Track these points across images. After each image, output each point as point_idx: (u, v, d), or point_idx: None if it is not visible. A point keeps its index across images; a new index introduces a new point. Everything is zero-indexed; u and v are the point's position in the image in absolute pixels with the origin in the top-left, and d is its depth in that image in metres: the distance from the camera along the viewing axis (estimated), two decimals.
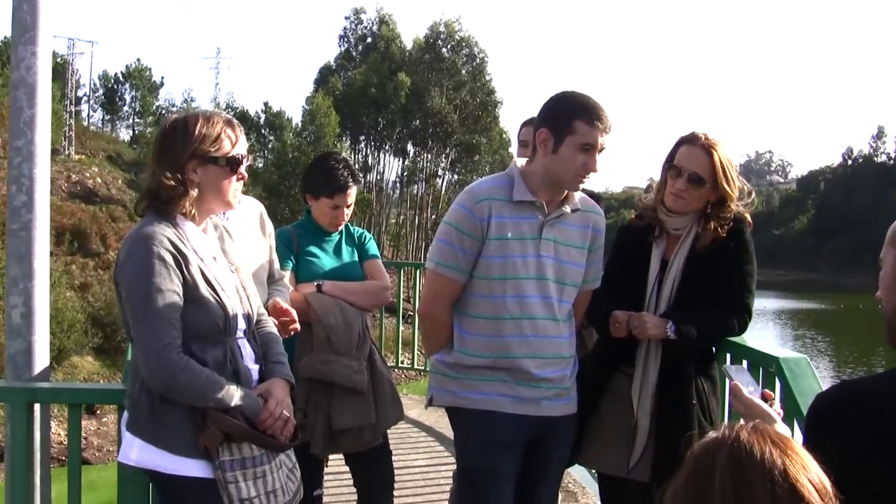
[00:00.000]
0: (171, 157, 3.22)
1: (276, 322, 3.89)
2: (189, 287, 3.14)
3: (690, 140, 4.01)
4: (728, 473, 1.65)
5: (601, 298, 4.09)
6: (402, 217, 62.15)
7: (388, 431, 4.82)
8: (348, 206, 4.70)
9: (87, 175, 43.06)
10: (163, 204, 3.23)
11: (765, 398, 2.67)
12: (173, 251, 3.11)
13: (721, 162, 3.91)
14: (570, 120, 3.64)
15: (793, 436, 2.10)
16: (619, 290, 4.07)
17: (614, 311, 3.99)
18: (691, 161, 3.95)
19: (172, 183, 3.19)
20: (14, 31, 4.09)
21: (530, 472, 3.89)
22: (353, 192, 4.69)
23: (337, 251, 4.80)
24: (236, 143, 3.31)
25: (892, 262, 2.20)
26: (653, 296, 4.03)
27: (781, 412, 2.69)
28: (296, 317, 4.13)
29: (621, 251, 4.19)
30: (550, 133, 3.69)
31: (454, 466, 4.74)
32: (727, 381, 3.19)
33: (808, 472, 1.65)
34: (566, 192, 3.80)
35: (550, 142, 3.69)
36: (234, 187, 3.33)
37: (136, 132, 66.53)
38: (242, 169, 3.34)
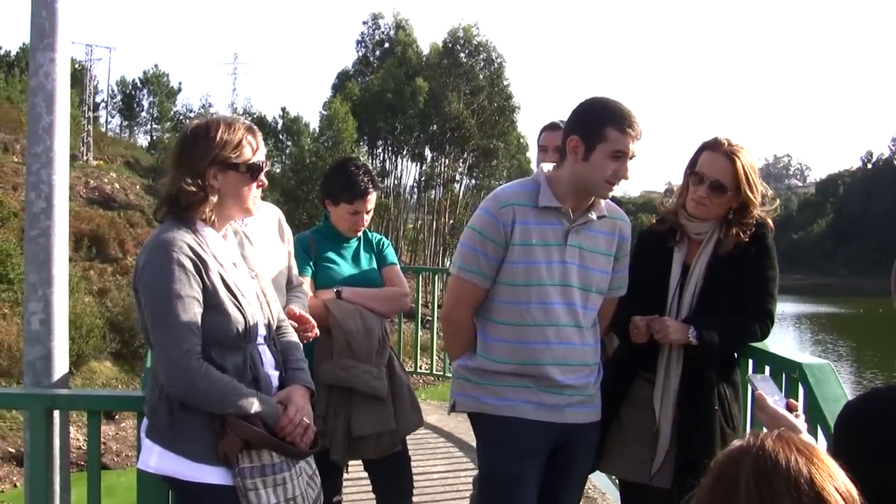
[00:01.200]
0: (191, 163, 3.21)
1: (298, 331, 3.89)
2: (209, 293, 3.12)
3: (713, 146, 3.97)
4: (753, 482, 1.63)
5: (621, 303, 4.06)
6: (419, 222, 62.19)
7: (407, 437, 4.81)
8: (368, 212, 4.69)
9: (106, 181, 43.29)
10: (182, 210, 3.22)
11: (789, 408, 2.64)
12: (193, 257, 3.10)
13: (744, 169, 3.88)
14: (601, 127, 3.61)
15: (817, 443, 2.08)
16: (640, 295, 4.03)
17: (634, 316, 3.96)
18: (713, 168, 3.92)
19: (193, 189, 3.19)
20: (32, 38, 4.09)
21: (553, 479, 3.86)
22: (372, 198, 4.68)
23: (355, 257, 4.79)
24: (257, 150, 3.30)
25: None
26: (674, 301, 4.00)
27: (806, 424, 2.66)
28: (313, 322, 4.12)
29: (642, 256, 4.13)
30: (581, 140, 3.65)
31: (473, 472, 4.74)
32: (749, 389, 3.16)
33: (835, 481, 1.63)
34: (593, 198, 3.77)
35: (581, 149, 3.64)
36: (254, 194, 3.33)
37: (154, 138, 66.97)
38: (262, 176, 3.34)
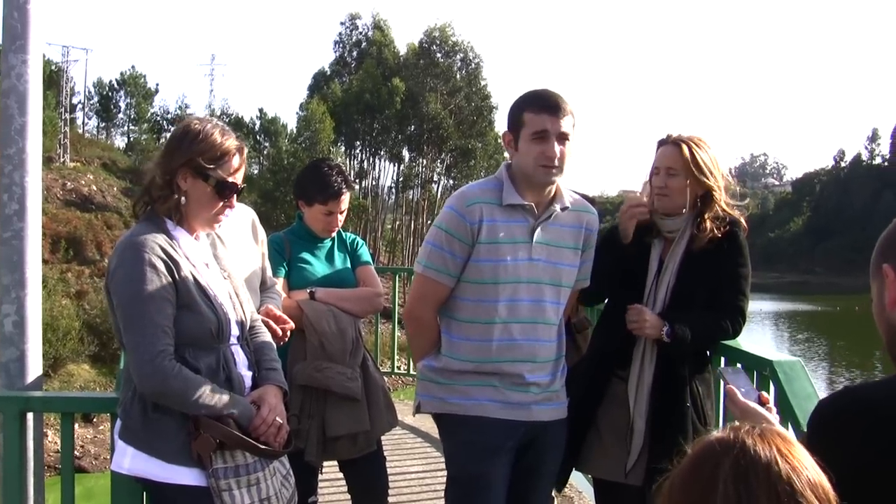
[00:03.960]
0: (169, 158, 3.23)
1: (274, 327, 3.90)
2: (181, 293, 3.13)
3: (663, 141, 4.09)
4: (731, 483, 1.61)
5: (593, 294, 4.20)
6: (397, 223, 62.15)
7: (383, 437, 4.82)
8: (342, 213, 4.69)
9: (83, 182, 43.09)
10: (153, 202, 3.23)
11: (761, 402, 2.65)
12: (164, 258, 3.11)
13: (691, 152, 3.97)
14: (519, 114, 3.67)
15: None
16: (617, 289, 4.09)
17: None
18: (663, 157, 4.04)
19: (160, 183, 3.20)
20: (4, 40, 4.08)
21: (521, 478, 3.86)
22: (346, 199, 4.69)
23: (329, 258, 4.79)
24: (236, 171, 3.30)
25: (875, 294, 2.17)
26: (650, 296, 4.03)
27: (779, 416, 2.66)
28: (291, 322, 4.13)
29: (618, 250, 4.17)
30: (510, 132, 3.73)
31: None
32: (722, 383, 3.17)
33: (811, 478, 1.63)
34: (553, 190, 3.78)
35: (512, 141, 3.72)
36: (218, 211, 3.32)
37: (132, 139, 66.49)
38: (234, 199, 3.34)
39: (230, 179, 3.27)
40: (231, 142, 3.28)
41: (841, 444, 1.90)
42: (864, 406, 2.08)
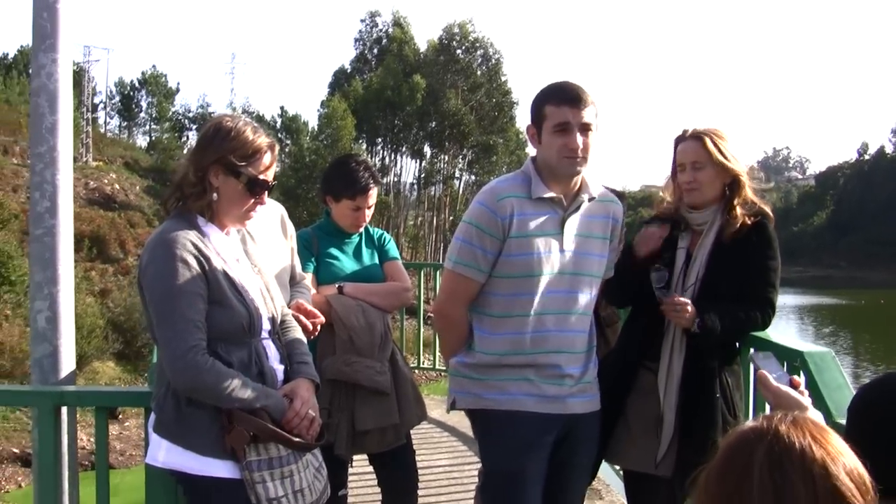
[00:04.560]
0: (201, 155, 3.25)
1: (304, 322, 3.92)
2: (212, 289, 3.15)
3: (681, 138, 4.13)
4: (766, 470, 1.61)
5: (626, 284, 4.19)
6: (419, 219, 62.05)
7: (411, 431, 4.83)
8: (369, 208, 4.70)
9: (105, 181, 43.28)
10: (185, 199, 3.26)
11: (793, 385, 2.63)
12: (196, 253, 3.13)
13: (713, 142, 4.01)
14: (542, 107, 3.68)
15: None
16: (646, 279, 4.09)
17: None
18: (686, 153, 4.07)
19: (193, 180, 3.23)
20: (34, 39, 4.11)
21: (557, 472, 3.85)
22: (374, 194, 4.70)
23: (357, 253, 4.81)
24: (267, 169, 3.32)
25: None
26: (678, 288, 4.04)
27: (810, 399, 2.64)
28: (321, 316, 4.15)
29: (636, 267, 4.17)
30: (533, 126, 3.74)
31: (477, 466, 4.73)
32: (751, 371, 3.16)
33: (847, 466, 1.63)
34: (579, 182, 3.77)
35: (536, 134, 3.73)
36: (249, 208, 3.35)
37: (153, 138, 66.79)
38: (264, 196, 3.36)
39: (261, 177, 3.29)
40: (262, 139, 3.30)
41: (879, 431, 1.89)
42: None
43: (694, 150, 4.03)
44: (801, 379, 2.69)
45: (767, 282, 4.05)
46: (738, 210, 4.01)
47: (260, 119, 56.87)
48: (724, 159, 3.98)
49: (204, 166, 3.24)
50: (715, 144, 3.99)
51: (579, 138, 3.61)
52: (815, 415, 2.37)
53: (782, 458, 1.62)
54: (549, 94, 3.69)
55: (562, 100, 3.63)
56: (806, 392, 2.63)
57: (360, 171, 4.64)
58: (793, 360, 3.91)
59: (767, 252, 4.05)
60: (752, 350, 4.09)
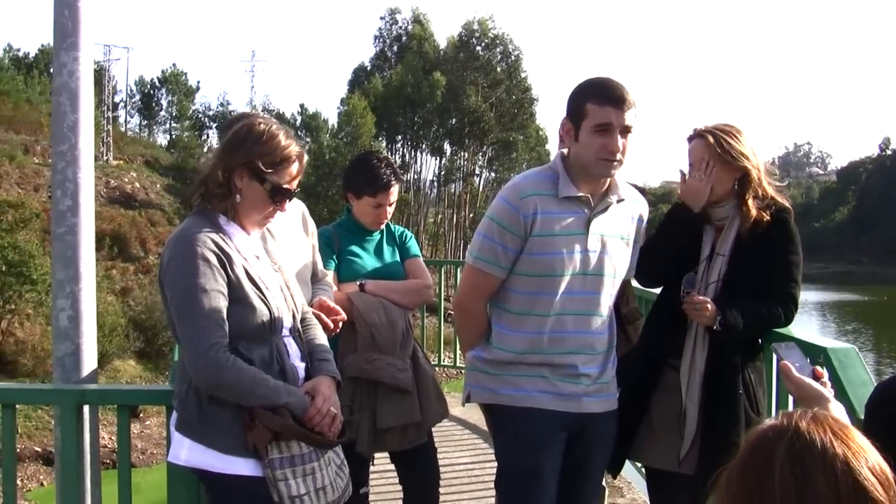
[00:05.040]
0: (229, 156, 3.26)
1: (325, 320, 3.91)
2: (234, 286, 3.15)
3: (689, 139, 4.15)
4: (787, 465, 1.60)
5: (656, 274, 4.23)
6: (440, 216, 62.04)
7: (433, 429, 4.82)
8: (391, 205, 4.70)
9: (126, 180, 43.44)
10: (209, 196, 3.26)
11: (816, 376, 2.60)
12: (217, 251, 3.13)
13: (717, 140, 3.99)
14: (582, 104, 3.58)
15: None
16: (673, 272, 4.10)
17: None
18: (694, 152, 4.07)
19: (220, 180, 3.22)
20: (56, 37, 4.12)
21: (570, 470, 3.84)
22: (395, 191, 4.69)
23: (378, 250, 4.81)
24: (294, 178, 3.33)
25: None
26: (702, 283, 4.02)
27: (833, 390, 2.62)
28: (343, 313, 4.14)
29: (673, 229, 4.16)
30: (570, 122, 3.64)
31: None
32: (773, 364, 3.14)
33: (869, 461, 1.62)
34: (608, 181, 3.73)
35: (572, 131, 3.64)
36: (268, 214, 3.36)
37: (174, 136, 67.01)
38: (285, 203, 3.37)
39: (285, 185, 3.29)
40: (293, 148, 3.31)
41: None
42: None
43: (699, 148, 4.04)
44: (823, 371, 2.67)
45: (790, 277, 4.03)
46: (750, 204, 3.98)
47: (280, 117, 56.97)
48: (725, 155, 3.97)
49: (232, 167, 3.24)
50: (717, 141, 3.98)
51: (619, 140, 3.56)
52: (837, 407, 2.36)
53: (803, 455, 1.61)
54: (592, 90, 3.59)
55: (606, 99, 3.53)
56: (829, 384, 2.61)
57: (382, 168, 4.64)
58: (816, 356, 3.88)
59: (789, 247, 4.03)
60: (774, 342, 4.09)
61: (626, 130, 3.56)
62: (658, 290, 4.42)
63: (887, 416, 1.91)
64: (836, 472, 1.58)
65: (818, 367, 2.68)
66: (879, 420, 1.92)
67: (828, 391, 2.53)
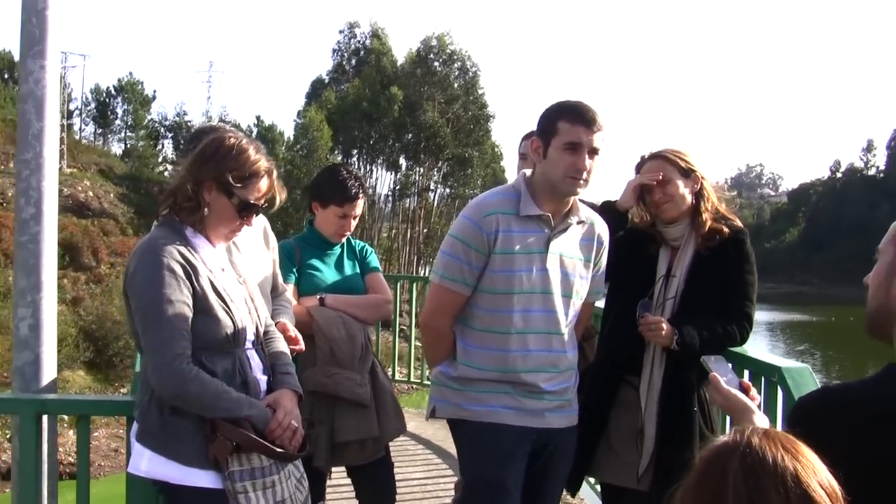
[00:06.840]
0: (199, 169, 3.26)
1: (292, 334, 3.92)
2: (198, 298, 3.16)
3: (640, 164, 4.29)
4: (741, 479, 1.66)
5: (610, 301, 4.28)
6: (394, 231, 61.89)
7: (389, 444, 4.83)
8: (355, 217, 4.73)
9: (79, 189, 42.94)
10: (177, 209, 3.27)
11: (744, 389, 2.69)
12: (183, 262, 3.14)
13: (672, 154, 4.14)
14: (554, 122, 3.69)
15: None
16: (626, 293, 4.14)
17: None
18: (651, 172, 4.16)
19: (189, 193, 3.23)
20: (23, 45, 4.12)
21: (533, 484, 3.89)
22: (360, 204, 4.73)
23: (339, 264, 4.82)
24: (262, 195, 3.34)
25: (890, 259, 2.22)
26: (659, 303, 4.08)
27: (759, 398, 2.70)
28: (302, 343, 4.14)
29: (625, 253, 4.22)
30: (540, 139, 3.74)
31: (452, 479, 4.76)
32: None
33: (818, 476, 1.68)
34: (570, 202, 3.81)
35: (541, 148, 3.73)
36: (235, 228, 3.37)
37: (129, 146, 66.28)
38: (251, 219, 3.38)
39: (253, 200, 3.30)
40: (262, 163, 3.32)
41: (833, 444, 1.92)
42: (840, 396, 2.13)
43: (658, 166, 4.13)
44: (751, 384, 2.75)
45: (745, 296, 4.10)
46: (706, 215, 4.07)
47: (236, 128, 56.59)
48: (686, 166, 4.10)
49: (201, 181, 3.25)
50: (674, 155, 4.12)
51: (587, 160, 3.65)
52: (761, 419, 2.48)
53: (756, 469, 1.67)
54: (564, 110, 3.71)
55: (578, 119, 3.65)
56: (757, 398, 2.69)
57: (350, 181, 4.68)
58: (771, 375, 3.97)
59: (745, 266, 4.11)
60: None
61: (593, 151, 3.66)
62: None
63: (815, 436, 1.96)
64: (787, 484, 1.64)
65: (745, 381, 2.77)
66: (805, 440, 1.97)
67: (753, 404, 2.61)
